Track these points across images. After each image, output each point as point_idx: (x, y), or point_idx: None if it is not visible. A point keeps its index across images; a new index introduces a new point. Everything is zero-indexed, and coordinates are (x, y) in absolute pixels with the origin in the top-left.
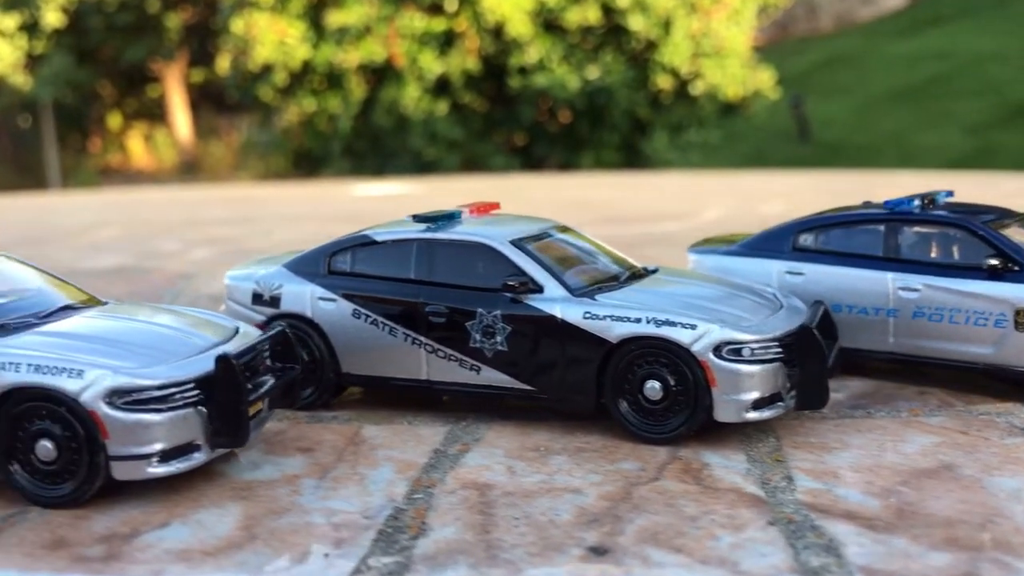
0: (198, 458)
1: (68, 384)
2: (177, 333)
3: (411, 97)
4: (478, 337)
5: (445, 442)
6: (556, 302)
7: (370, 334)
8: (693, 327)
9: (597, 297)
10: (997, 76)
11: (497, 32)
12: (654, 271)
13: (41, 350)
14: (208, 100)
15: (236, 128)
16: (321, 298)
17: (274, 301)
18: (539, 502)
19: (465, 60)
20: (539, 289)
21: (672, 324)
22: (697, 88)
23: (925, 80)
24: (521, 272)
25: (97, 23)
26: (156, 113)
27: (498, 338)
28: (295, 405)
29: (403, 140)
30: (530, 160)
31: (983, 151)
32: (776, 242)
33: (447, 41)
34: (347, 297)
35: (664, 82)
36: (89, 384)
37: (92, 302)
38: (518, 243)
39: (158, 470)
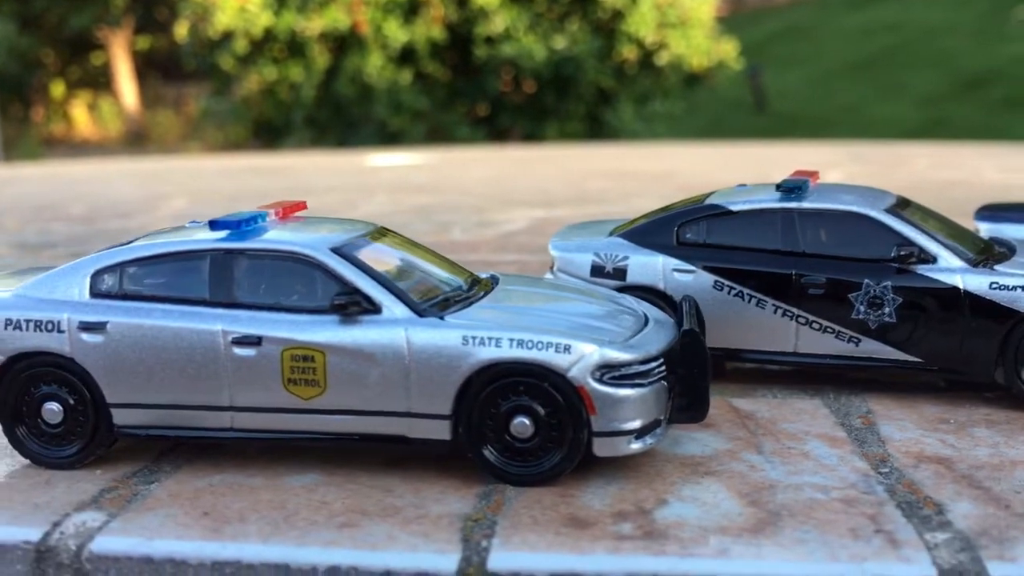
0: (659, 434)
1: (557, 359)
2: (610, 307)
3: (375, 66)
4: (862, 308)
5: (839, 416)
6: (956, 272)
7: (732, 306)
8: None
9: (997, 268)
10: (949, 48)
11: (463, 1)
12: None
13: (512, 325)
14: (154, 68)
15: (186, 97)
16: (676, 270)
17: (618, 273)
18: (1020, 474)
19: (431, 28)
20: (932, 259)
21: None
22: (662, 58)
23: (878, 52)
24: (910, 242)
25: None
26: (101, 82)
27: (886, 309)
28: None
29: (367, 110)
30: (494, 131)
31: (936, 122)
32: None
33: (412, 9)
34: (708, 269)
35: (629, 52)
36: (578, 359)
37: (474, 277)
38: (891, 210)
39: (633, 447)
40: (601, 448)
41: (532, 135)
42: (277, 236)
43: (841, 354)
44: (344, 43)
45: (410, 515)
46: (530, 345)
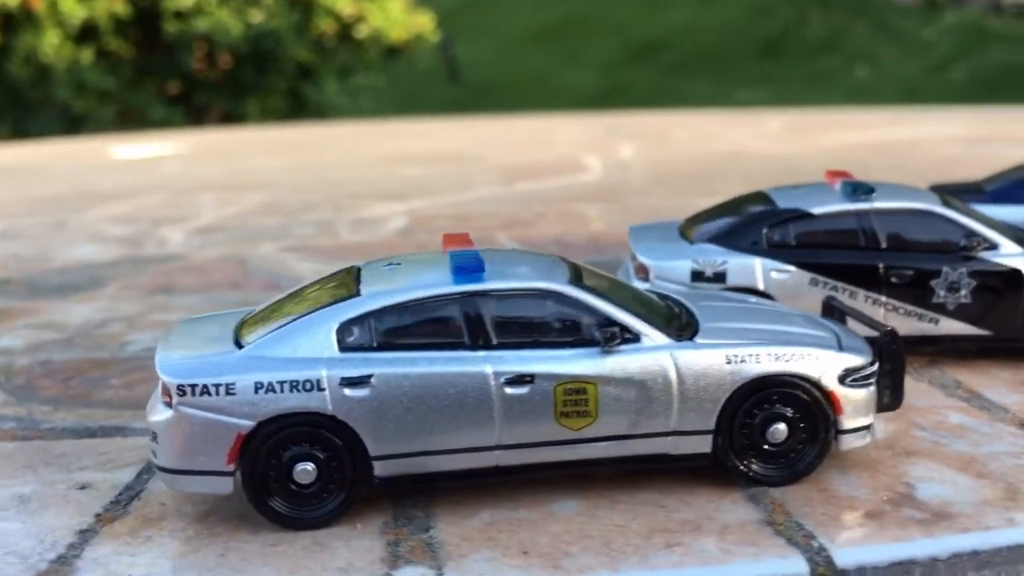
0: (874, 427)
1: (811, 368)
2: (796, 314)
3: (51, 45)
4: (942, 293)
5: (945, 389)
6: (1017, 256)
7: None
8: None
9: None
10: (620, 15)
11: None
12: None
13: (757, 340)
14: None
15: None
16: (774, 270)
17: (718, 277)
18: None
19: (112, 3)
20: (995, 246)
21: None
22: (361, 32)
23: (559, 20)
24: (974, 233)
25: None
26: None
27: (962, 292)
28: None
29: (46, 92)
30: (192, 109)
31: (616, 88)
32: None
33: None
34: (802, 267)
35: (328, 26)
36: (827, 367)
37: (659, 294)
38: (950, 204)
39: (867, 440)
40: (845, 444)
41: (232, 113)
42: (515, 273)
43: (923, 334)
44: (14, 21)
45: (713, 527)
46: (787, 358)
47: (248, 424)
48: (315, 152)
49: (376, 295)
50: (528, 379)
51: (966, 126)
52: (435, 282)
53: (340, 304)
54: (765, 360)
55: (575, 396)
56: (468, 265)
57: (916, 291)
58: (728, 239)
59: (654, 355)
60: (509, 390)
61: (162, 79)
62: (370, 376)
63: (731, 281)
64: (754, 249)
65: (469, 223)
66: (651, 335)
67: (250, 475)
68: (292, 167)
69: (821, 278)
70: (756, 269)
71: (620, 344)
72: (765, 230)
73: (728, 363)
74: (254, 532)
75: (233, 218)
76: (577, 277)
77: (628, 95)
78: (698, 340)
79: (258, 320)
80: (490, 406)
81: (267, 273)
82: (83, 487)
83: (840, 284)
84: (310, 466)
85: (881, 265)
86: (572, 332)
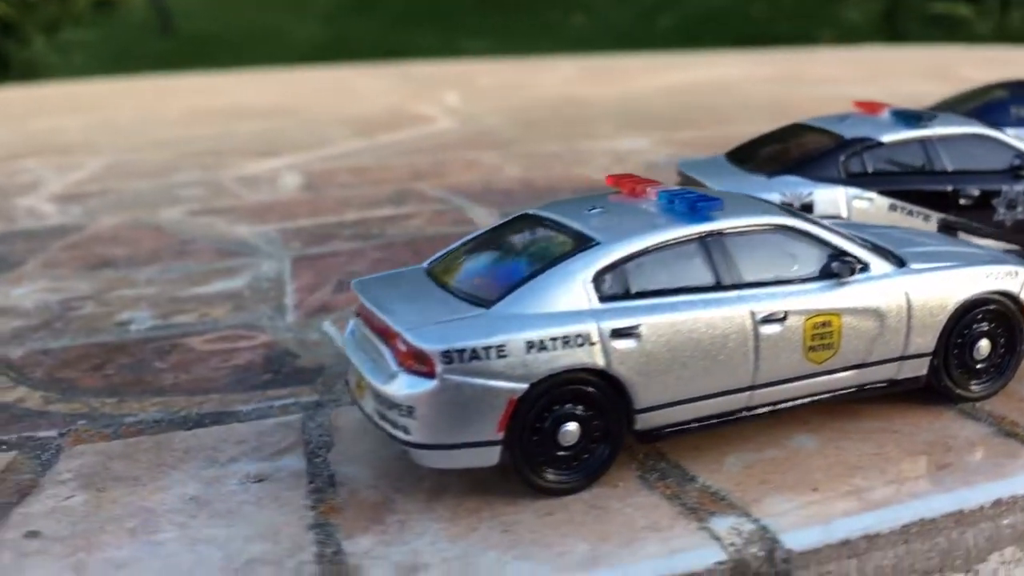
0: None
1: (1012, 284)
2: (935, 234)
3: None
4: (1002, 211)
5: None
6: None
7: (907, 224)
8: None
9: None
10: None
11: None
12: None
13: (955, 262)
14: None
15: None
16: (856, 197)
17: (806, 208)
18: None
19: None
20: None
21: None
22: None
23: None
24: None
25: None
26: None
27: (1019, 209)
28: None
29: None
30: None
31: (337, 39)
32: None
33: None
34: (882, 194)
35: None
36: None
37: None
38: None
39: None
40: None
41: None
42: (744, 210)
43: None
44: None
45: (961, 444)
46: (996, 277)
47: (521, 387)
48: (108, 111)
49: (619, 241)
50: (782, 316)
51: (744, 68)
52: (668, 224)
53: (585, 253)
54: (981, 280)
55: (822, 329)
56: (704, 204)
57: (980, 210)
58: (806, 170)
59: (886, 283)
60: (764, 329)
61: None
62: (637, 326)
63: (817, 211)
64: (834, 179)
65: (372, 175)
66: (877, 264)
67: (519, 441)
68: (94, 126)
69: (899, 203)
70: (840, 198)
71: (854, 275)
72: (842, 159)
73: (948, 285)
74: (511, 503)
75: (89, 183)
76: (793, 212)
77: (355, 46)
78: (913, 266)
79: (453, 277)
80: (747, 347)
81: (209, 240)
82: (259, 479)
83: (916, 208)
84: (574, 426)
85: (950, 188)
86: (811, 266)
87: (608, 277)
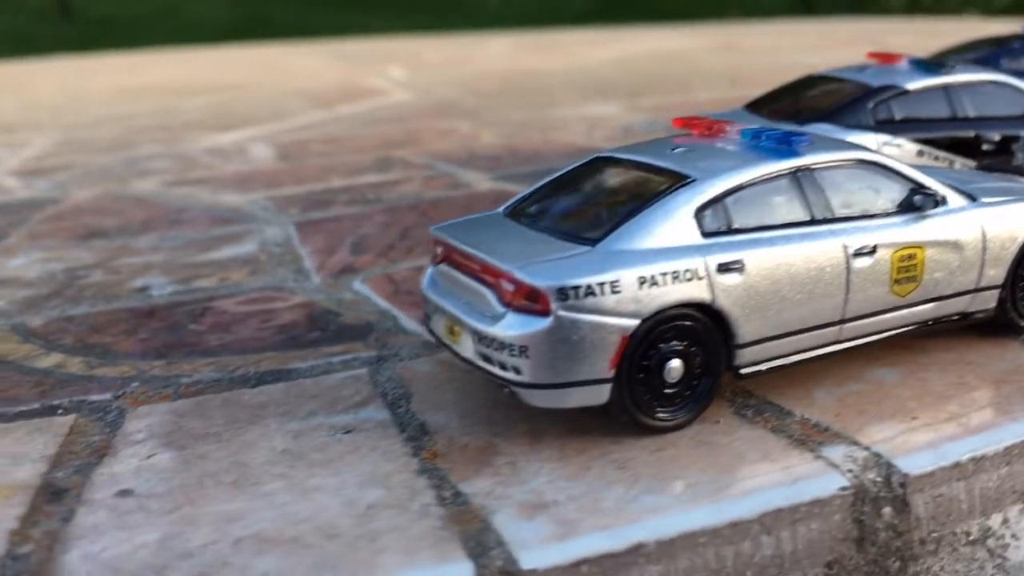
0: None
1: None
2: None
3: None
4: (1020, 155)
5: None
6: None
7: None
8: None
9: None
10: None
11: None
12: None
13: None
14: None
15: None
16: (887, 143)
17: None
18: None
19: None
20: None
21: None
22: None
23: None
24: None
25: None
26: None
27: None
28: None
29: None
30: None
31: (253, 21)
32: None
33: None
34: (912, 140)
35: None
36: None
37: None
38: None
39: None
40: None
41: None
42: (826, 146)
43: None
44: None
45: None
46: None
47: (633, 323)
48: (29, 91)
49: (715, 177)
50: (871, 249)
51: (681, 40)
52: (759, 159)
53: (684, 189)
54: None
55: (908, 262)
56: (795, 139)
57: (1000, 154)
58: (836, 117)
59: (963, 216)
60: (856, 262)
61: None
62: (740, 260)
63: None
64: (864, 125)
65: (347, 144)
66: (953, 198)
67: (627, 379)
68: (24, 106)
69: (927, 148)
70: (871, 144)
71: (933, 208)
72: (870, 106)
73: (1017, 218)
74: (615, 442)
75: (47, 159)
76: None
77: (266, 27)
78: (984, 200)
79: (543, 218)
80: (842, 280)
81: (200, 209)
82: (348, 431)
83: (942, 153)
84: (678, 363)
85: (973, 133)
86: (893, 200)
87: (708, 212)
